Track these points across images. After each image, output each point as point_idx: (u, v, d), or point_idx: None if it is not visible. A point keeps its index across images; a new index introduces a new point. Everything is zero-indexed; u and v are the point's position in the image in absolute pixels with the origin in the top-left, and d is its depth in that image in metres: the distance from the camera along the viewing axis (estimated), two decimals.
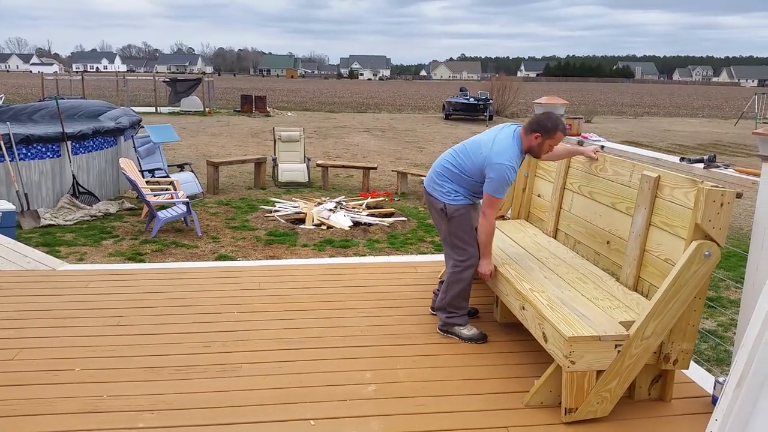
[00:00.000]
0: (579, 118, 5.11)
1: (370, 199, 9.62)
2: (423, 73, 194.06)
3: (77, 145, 8.80)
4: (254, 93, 35.13)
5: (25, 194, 7.98)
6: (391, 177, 12.07)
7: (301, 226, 8.07)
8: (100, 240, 7.32)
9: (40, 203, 8.30)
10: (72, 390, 3.12)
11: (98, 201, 8.88)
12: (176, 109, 27.59)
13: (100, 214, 8.45)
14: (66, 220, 8.03)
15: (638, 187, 3.38)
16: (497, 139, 3.63)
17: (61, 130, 8.48)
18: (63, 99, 11.97)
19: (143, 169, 9.55)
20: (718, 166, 3.43)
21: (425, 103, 42.54)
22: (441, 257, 4.06)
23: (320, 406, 3.03)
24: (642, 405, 3.11)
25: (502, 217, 5.03)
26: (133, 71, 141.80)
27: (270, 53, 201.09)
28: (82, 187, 8.74)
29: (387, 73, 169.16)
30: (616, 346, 2.86)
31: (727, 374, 2.44)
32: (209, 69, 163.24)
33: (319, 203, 9.05)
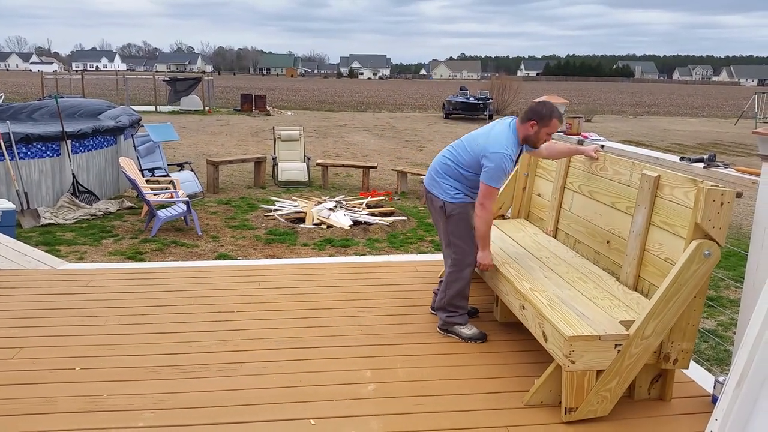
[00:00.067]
0: (579, 117, 5.11)
1: (370, 199, 9.61)
2: (423, 72, 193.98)
3: (77, 144, 8.80)
4: (254, 92, 35.12)
5: (25, 193, 7.98)
6: (391, 176, 12.07)
7: (301, 226, 8.07)
8: (100, 239, 7.32)
9: (40, 202, 8.30)
10: (72, 389, 3.12)
11: (98, 200, 8.87)
12: (176, 108, 27.59)
13: (100, 213, 8.45)
14: (66, 219, 8.03)
15: (638, 186, 3.38)
16: (493, 130, 3.66)
17: (61, 129, 8.47)
18: (63, 98, 11.97)
19: (143, 168, 9.55)
20: (718, 166, 3.43)
21: (425, 102, 42.54)
22: (441, 256, 4.06)
23: (320, 406, 3.03)
24: (642, 404, 3.11)
25: (502, 217, 5.03)
26: (133, 70, 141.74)
27: (270, 52, 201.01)
28: (82, 186, 8.74)
29: (387, 72, 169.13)
30: (616, 345, 2.86)
31: (727, 374, 2.44)
32: (209, 68, 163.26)
33: (319, 202, 9.05)
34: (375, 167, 11.41)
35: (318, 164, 11.53)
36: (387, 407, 3.03)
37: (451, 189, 3.74)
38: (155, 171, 9.72)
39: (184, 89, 28.15)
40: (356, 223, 8.24)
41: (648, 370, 3.07)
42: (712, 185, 2.89)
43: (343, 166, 11.81)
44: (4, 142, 7.84)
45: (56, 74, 35.36)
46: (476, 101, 27.83)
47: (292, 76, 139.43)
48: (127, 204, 8.98)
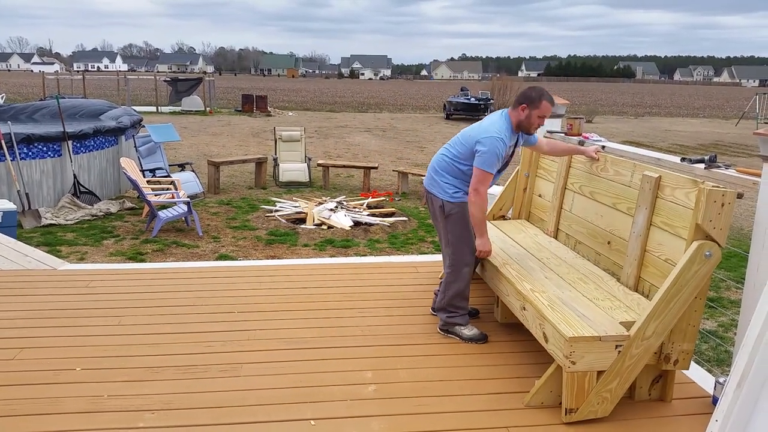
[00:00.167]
0: (580, 118, 5.11)
1: (370, 199, 9.62)
2: (424, 72, 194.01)
3: (78, 145, 8.81)
4: (255, 92, 35.14)
5: (26, 194, 7.99)
6: (392, 177, 12.07)
7: (302, 226, 8.07)
8: (101, 239, 7.32)
9: (41, 203, 8.31)
10: (73, 390, 3.12)
11: (99, 200, 8.88)
12: (177, 109, 27.60)
13: (101, 213, 8.45)
14: (67, 220, 8.04)
15: (639, 187, 3.38)
16: (487, 119, 3.71)
17: (62, 130, 8.48)
18: (64, 98, 11.98)
19: (144, 168, 9.55)
20: (719, 167, 3.43)
21: (426, 102, 42.54)
22: (441, 257, 4.06)
23: (321, 406, 3.03)
24: (642, 405, 3.11)
25: (503, 217, 5.03)
26: (134, 70, 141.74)
27: (271, 53, 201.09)
28: (83, 186, 8.75)
29: (388, 72, 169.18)
30: (616, 346, 2.86)
31: (728, 375, 2.44)
32: (210, 68, 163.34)
33: (320, 203, 9.05)
34: (376, 168, 11.41)
35: (319, 165, 11.53)
36: (388, 408, 3.03)
37: (450, 187, 3.73)
38: (156, 171, 9.73)
39: (185, 90, 28.17)
40: (357, 223, 8.25)
41: (648, 371, 3.07)
42: (713, 186, 2.89)
43: (344, 166, 11.82)
44: (6, 143, 7.85)
45: (57, 75, 35.40)
46: (477, 102, 27.83)
47: (293, 76, 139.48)
48: (128, 204, 8.99)
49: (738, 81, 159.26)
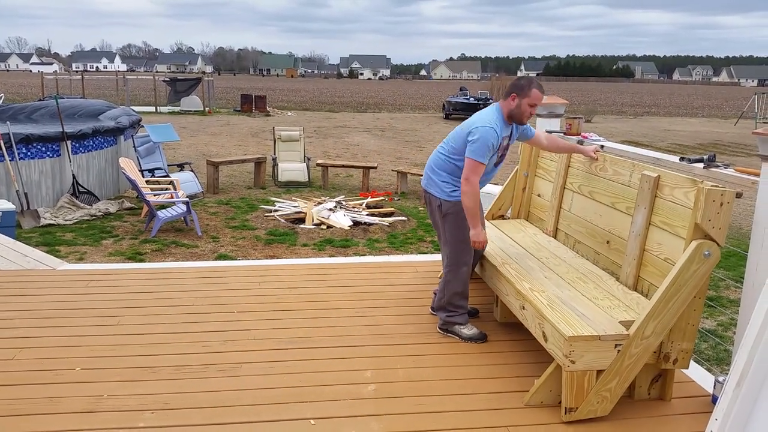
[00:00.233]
0: (579, 117, 5.11)
1: (369, 199, 9.61)
2: (423, 72, 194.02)
3: (77, 145, 8.80)
4: (254, 92, 35.13)
5: (25, 194, 7.98)
6: (391, 177, 12.07)
7: (301, 226, 8.07)
8: (99, 239, 7.32)
9: (40, 203, 8.30)
10: (72, 389, 3.12)
11: (98, 200, 8.88)
12: (176, 109, 27.59)
13: (100, 213, 8.45)
14: (66, 220, 8.03)
15: (638, 186, 3.38)
16: (479, 113, 3.73)
17: (61, 130, 8.48)
18: (63, 98, 11.98)
19: (143, 168, 9.55)
20: (718, 166, 3.43)
21: (425, 102, 42.54)
22: (440, 257, 4.06)
23: (320, 406, 3.03)
24: (642, 404, 3.11)
25: (502, 217, 5.03)
26: (133, 71, 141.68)
27: (270, 53, 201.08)
28: (82, 186, 8.74)
29: (387, 72, 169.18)
30: (616, 345, 2.86)
31: (727, 373, 2.44)
32: (209, 68, 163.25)
33: (319, 203, 9.05)
34: (375, 168, 11.41)
35: (318, 165, 11.53)
36: (387, 407, 3.03)
37: (448, 186, 3.73)
38: (155, 171, 9.72)
39: (184, 90, 28.14)
40: (356, 223, 8.24)
41: (648, 370, 3.07)
42: (712, 185, 2.89)
43: (343, 166, 11.82)
44: (4, 143, 7.84)
45: (56, 75, 35.38)
46: (476, 102, 27.82)
47: (292, 76, 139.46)
48: (127, 204, 8.98)
49: (737, 81, 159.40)
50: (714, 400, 3.08)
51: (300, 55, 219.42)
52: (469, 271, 3.85)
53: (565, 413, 2.91)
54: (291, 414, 2.96)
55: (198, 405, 3.01)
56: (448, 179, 3.73)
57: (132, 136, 10.06)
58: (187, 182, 9.56)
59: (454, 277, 3.81)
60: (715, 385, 3.10)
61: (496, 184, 8.59)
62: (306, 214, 8.52)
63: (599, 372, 2.89)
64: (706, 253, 2.85)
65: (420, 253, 7.06)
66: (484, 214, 4.96)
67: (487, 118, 3.61)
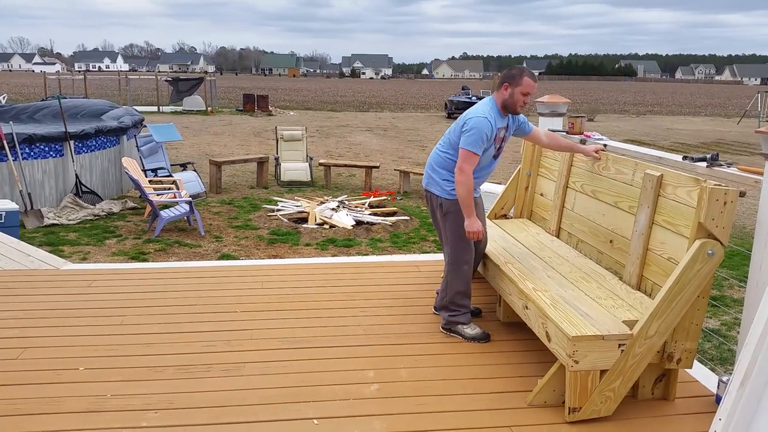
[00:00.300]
0: (582, 116, 5.10)
1: (372, 198, 9.62)
2: (425, 71, 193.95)
3: (80, 145, 8.81)
4: (256, 92, 35.15)
5: (29, 194, 8.00)
6: (394, 176, 12.07)
7: (304, 226, 8.07)
8: (103, 239, 7.33)
9: (44, 203, 8.32)
10: (75, 389, 3.13)
11: (101, 200, 8.89)
12: (178, 109, 27.63)
13: (103, 213, 8.46)
14: (69, 220, 8.05)
15: (641, 185, 3.38)
16: (473, 106, 3.75)
17: (64, 130, 8.49)
18: (66, 98, 11.99)
19: (146, 168, 9.56)
20: (721, 165, 3.42)
21: (427, 101, 42.53)
22: (443, 256, 4.06)
23: (323, 406, 3.03)
24: (645, 404, 3.10)
25: (505, 216, 5.03)
26: (136, 70, 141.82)
27: (272, 52, 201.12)
28: (85, 186, 8.76)
29: (389, 71, 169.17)
30: (619, 345, 2.85)
31: (731, 373, 2.43)
32: (211, 68, 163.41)
33: (322, 202, 9.05)
34: (377, 167, 11.41)
35: (320, 164, 11.53)
36: (390, 407, 3.03)
37: (447, 183, 3.73)
38: (158, 171, 9.74)
39: (186, 89, 28.17)
40: (359, 223, 8.25)
41: (651, 370, 3.07)
42: (715, 184, 2.88)
43: (345, 166, 11.82)
44: (8, 143, 7.86)
45: (59, 75, 35.44)
46: (478, 100, 27.80)
47: (294, 76, 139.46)
48: (130, 204, 9.00)
49: (740, 79, 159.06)
50: (718, 399, 3.07)
51: (302, 55, 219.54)
52: (470, 270, 3.84)
53: (569, 413, 2.91)
54: (294, 413, 2.96)
55: (201, 405, 3.01)
56: (448, 177, 3.73)
57: (135, 135, 10.08)
58: (189, 182, 9.57)
59: (456, 276, 3.81)
60: (718, 385, 3.10)
61: (499, 183, 8.59)
62: (309, 213, 8.52)
63: (603, 372, 2.88)
64: (710, 252, 2.85)
65: (423, 252, 7.06)
66: (487, 213, 4.96)
67: (481, 109, 3.64)
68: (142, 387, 3.16)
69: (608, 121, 29.20)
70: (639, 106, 43.29)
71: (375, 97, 47.76)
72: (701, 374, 3.42)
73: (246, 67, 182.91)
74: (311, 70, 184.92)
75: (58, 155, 8.49)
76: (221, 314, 4.11)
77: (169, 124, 10.56)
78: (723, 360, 4.61)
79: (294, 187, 11.03)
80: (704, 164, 3.48)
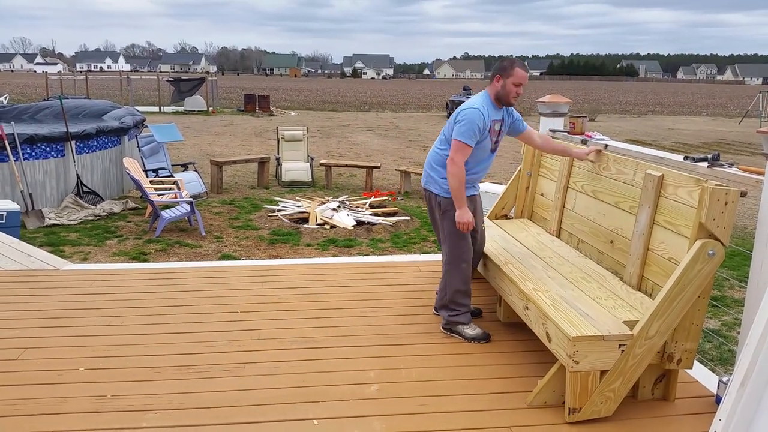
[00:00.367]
0: (583, 116, 5.10)
1: (373, 199, 9.62)
2: (426, 71, 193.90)
3: (81, 145, 8.82)
4: (258, 92, 35.17)
5: (30, 194, 8.01)
6: (395, 176, 12.07)
7: (305, 226, 8.07)
8: (104, 240, 7.33)
9: (45, 203, 8.33)
10: (76, 390, 3.13)
11: (102, 200, 8.90)
12: (180, 109, 27.65)
13: (104, 213, 8.47)
14: (70, 220, 8.05)
15: (642, 186, 3.37)
16: (467, 100, 3.76)
17: (65, 130, 8.50)
18: (67, 98, 12.00)
19: (147, 168, 9.57)
20: (722, 165, 3.41)
21: (428, 101, 42.52)
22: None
23: (323, 406, 3.03)
24: (646, 405, 3.10)
25: (505, 216, 5.03)
26: (137, 71, 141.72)
27: (273, 52, 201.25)
28: (86, 186, 8.77)
29: (390, 72, 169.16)
30: (619, 345, 2.85)
31: (731, 374, 2.43)
32: (213, 68, 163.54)
33: (323, 202, 9.05)
34: (378, 167, 11.41)
35: (321, 164, 11.53)
36: (390, 408, 3.03)
37: (446, 182, 3.72)
38: (159, 171, 9.75)
39: (187, 90, 28.19)
40: (359, 223, 8.25)
41: (652, 371, 3.06)
42: (716, 184, 2.88)
43: (346, 166, 11.82)
44: (9, 143, 7.87)
45: (60, 75, 35.47)
46: None
47: (295, 76, 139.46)
48: (131, 204, 9.00)
49: (741, 79, 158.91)
50: (718, 400, 3.07)
51: (303, 55, 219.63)
52: (469, 268, 3.83)
53: (569, 414, 2.91)
54: (295, 414, 2.96)
55: (202, 405, 3.01)
56: (445, 174, 3.73)
57: (136, 136, 10.09)
58: (190, 182, 9.58)
59: (455, 275, 3.80)
60: (719, 386, 3.09)
61: (500, 183, 8.58)
62: (309, 213, 8.52)
63: (603, 372, 2.88)
64: (711, 252, 2.84)
65: (423, 252, 7.06)
66: (487, 214, 4.96)
67: (473, 101, 3.66)
68: (142, 387, 3.16)
69: (610, 121, 29.18)
70: (640, 106, 43.26)
71: (376, 97, 47.76)
72: (701, 375, 3.42)
73: (247, 68, 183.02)
74: (312, 70, 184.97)
75: (59, 155, 8.50)
76: (222, 314, 4.11)
77: (171, 124, 10.57)
78: (723, 360, 4.61)
79: (295, 187, 11.03)
80: (705, 164, 3.48)
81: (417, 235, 7.89)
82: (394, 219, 8.44)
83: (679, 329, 2.96)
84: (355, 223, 8.20)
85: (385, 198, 9.96)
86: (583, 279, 3.56)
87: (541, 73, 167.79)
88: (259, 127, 22.07)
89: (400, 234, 7.89)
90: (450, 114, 29.09)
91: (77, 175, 8.62)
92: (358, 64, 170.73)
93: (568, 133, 5.09)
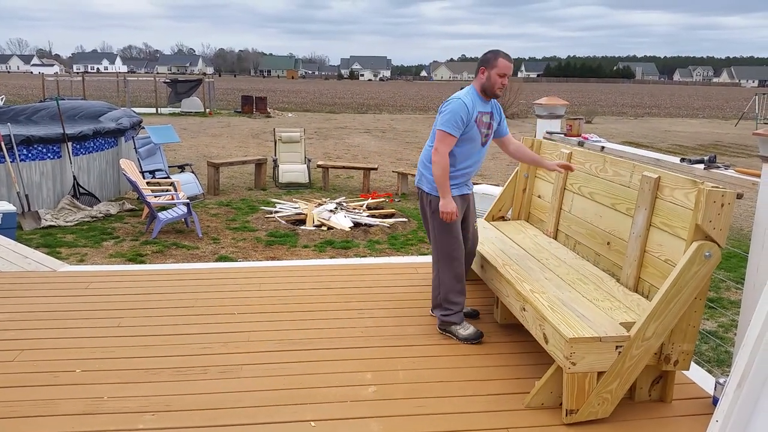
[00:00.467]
0: (579, 118, 5.11)
1: (370, 200, 9.62)
2: (423, 73, 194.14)
3: (78, 146, 8.80)
4: (255, 94, 35.14)
5: (26, 195, 7.98)
6: (392, 178, 12.07)
7: (302, 227, 8.07)
8: (100, 241, 7.32)
9: (41, 204, 8.31)
10: (72, 391, 3.12)
11: (99, 202, 8.88)
12: (177, 110, 27.61)
13: (101, 215, 8.45)
14: (66, 221, 8.04)
15: (638, 187, 3.38)
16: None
17: (62, 131, 8.48)
18: (64, 100, 11.98)
19: (144, 170, 9.56)
20: (719, 167, 3.43)
21: (426, 103, 42.55)
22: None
23: (320, 408, 3.03)
24: (643, 406, 3.10)
25: (503, 218, 5.03)
26: (134, 72, 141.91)
27: (270, 54, 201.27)
28: (83, 188, 8.75)
29: (387, 73, 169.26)
30: (616, 347, 2.85)
31: (728, 375, 2.43)
32: (210, 70, 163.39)
33: (320, 204, 9.05)
34: (375, 169, 11.41)
35: (319, 166, 11.53)
36: (387, 409, 3.02)
37: None
38: (156, 173, 9.73)
39: (184, 91, 28.17)
40: (357, 224, 8.24)
41: (649, 372, 3.07)
42: (712, 186, 2.89)
43: (343, 167, 11.82)
44: (5, 144, 7.85)
45: (57, 76, 35.42)
46: None
47: (292, 77, 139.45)
48: (128, 206, 8.99)
49: (737, 81, 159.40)
50: (715, 401, 3.08)
51: (300, 57, 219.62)
52: (461, 266, 3.82)
53: (566, 415, 2.91)
54: (291, 416, 2.95)
55: (198, 407, 3.01)
56: (431, 165, 3.73)
57: (133, 137, 10.07)
58: (187, 183, 9.57)
59: (446, 272, 3.80)
60: (715, 387, 3.10)
61: (497, 185, 8.59)
62: (306, 215, 8.52)
63: (600, 374, 2.89)
64: (707, 254, 2.85)
65: (420, 254, 7.05)
66: (485, 216, 4.97)
67: (458, 94, 3.72)
68: (138, 389, 3.15)
69: (606, 123, 29.24)
70: (637, 108, 43.35)
71: (373, 99, 47.78)
72: (698, 376, 3.43)
73: (244, 69, 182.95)
74: (310, 71, 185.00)
75: (55, 157, 8.48)
76: (218, 316, 4.10)
77: (167, 125, 10.55)
78: (720, 362, 4.61)
79: (292, 188, 11.03)
80: (702, 166, 3.49)
81: (414, 236, 7.89)
82: (391, 220, 8.44)
83: (675, 331, 2.96)
84: (352, 224, 8.20)
85: (383, 199, 9.96)
86: (580, 280, 3.56)
87: (538, 75, 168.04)
88: (256, 128, 22.06)
89: (397, 235, 7.89)
90: None
91: (74, 176, 8.61)
92: (356, 66, 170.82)
93: (565, 135, 5.10)
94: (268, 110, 28.99)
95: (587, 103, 47.75)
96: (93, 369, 3.35)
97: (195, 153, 15.23)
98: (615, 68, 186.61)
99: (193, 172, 10.52)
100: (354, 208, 8.97)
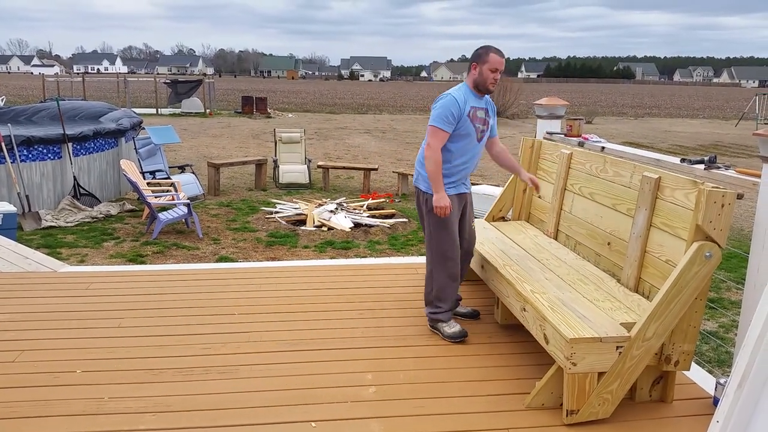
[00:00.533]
0: (580, 119, 5.11)
1: (370, 201, 9.62)
2: (423, 74, 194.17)
3: (78, 147, 8.81)
4: (255, 94, 35.15)
5: (27, 196, 7.99)
6: (392, 178, 12.07)
7: (302, 228, 8.07)
8: (101, 242, 7.32)
9: (41, 205, 8.31)
10: (73, 392, 3.12)
11: (99, 202, 8.88)
12: (177, 111, 27.61)
13: (101, 215, 8.45)
14: (67, 222, 8.04)
15: (639, 188, 3.38)
16: None
17: (62, 132, 8.48)
18: (64, 100, 11.99)
19: (144, 170, 9.56)
20: (719, 167, 3.43)
21: (426, 104, 42.55)
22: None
23: (321, 408, 3.03)
24: (643, 406, 3.10)
25: (503, 219, 5.03)
26: (134, 73, 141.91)
27: (271, 54, 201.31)
28: (83, 188, 8.75)
29: (387, 74, 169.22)
30: (617, 347, 2.85)
31: (729, 375, 2.43)
32: (210, 70, 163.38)
33: (320, 205, 9.05)
34: (376, 169, 11.42)
35: (319, 166, 11.53)
36: (387, 410, 3.02)
37: None
38: (156, 173, 9.73)
39: (185, 92, 28.17)
40: (357, 225, 8.25)
41: (649, 372, 3.07)
42: (713, 187, 2.89)
43: (344, 168, 11.82)
44: (6, 145, 7.85)
45: (57, 77, 35.43)
46: None
47: (292, 78, 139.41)
48: (128, 206, 8.99)
49: (738, 82, 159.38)
50: (715, 402, 3.08)
51: (301, 57, 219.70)
52: (455, 266, 3.82)
53: (567, 415, 2.91)
54: (292, 416, 2.95)
55: (199, 407, 3.01)
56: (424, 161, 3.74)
57: (133, 138, 10.07)
58: (188, 184, 9.57)
59: (440, 271, 3.80)
60: (716, 387, 3.10)
61: (497, 185, 8.60)
62: (307, 216, 8.52)
63: (600, 374, 2.89)
64: (708, 254, 2.85)
65: (420, 255, 7.05)
66: (485, 216, 4.97)
67: (450, 90, 3.72)
68: (139, 390, 3.15)
69: (606, 123, 29.24)
70: (637, 109, 43.35)
71: (373, 99, 47.79)
72: (699, 376, 3.43)
73: (245, 70, 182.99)
74: (310, 72, 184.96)
75: (56, 157, 8.49)
76: (219, 317, 4.10)
77: (168, 126, 10.56)
78: (721, 362, 4.61)
79: (292, 189, 11.03)
80: (702, 166, 3.49)
81: (414, 237, 7.89)
82: (391, 221, 8.44)
83: (676, 331, 2.96)
84: (352, 225, 8.20)
85: (383, 200, 9.96)
86: (580, 281, 3.56)
87: (538, 76, 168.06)
88: (257, 129, 22.06)
89: (397, 236, 7.89)
90: None
91: (74, 177, 8.61)
92: (356, 67, 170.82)
93: (565, 135, 5.10)
94: (269, 111, 29.00)
95: (587, 103, 47.75)
96: (94, 369, 3.35)
97: (195, 153, 15.24)
98: (615, 68, 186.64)
99: (193, 172, 10.52)
100: (354, 209, 8.97)
